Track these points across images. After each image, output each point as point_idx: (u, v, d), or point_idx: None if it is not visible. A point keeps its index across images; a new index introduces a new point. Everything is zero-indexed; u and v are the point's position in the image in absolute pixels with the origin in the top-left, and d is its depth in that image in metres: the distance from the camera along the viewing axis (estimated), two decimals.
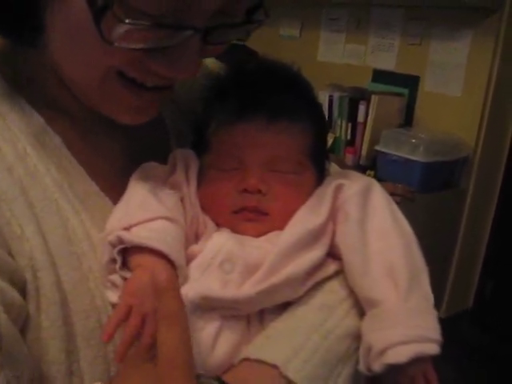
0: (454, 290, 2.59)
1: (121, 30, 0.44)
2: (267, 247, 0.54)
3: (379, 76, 2.84)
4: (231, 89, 0.61)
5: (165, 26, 0.45)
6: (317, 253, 0.54)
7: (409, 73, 2.68)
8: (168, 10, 0.44)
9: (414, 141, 2.31)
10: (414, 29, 2.64)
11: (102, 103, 0.53)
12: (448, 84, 2.51)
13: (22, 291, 0.46)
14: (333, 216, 0.56)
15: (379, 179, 2.30)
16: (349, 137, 2.67)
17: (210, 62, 0.78)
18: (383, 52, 2.81)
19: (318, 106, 0.66)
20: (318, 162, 0.62)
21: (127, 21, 0.43)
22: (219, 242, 0.55)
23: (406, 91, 2.68)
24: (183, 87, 0.68)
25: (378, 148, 2.44)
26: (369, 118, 2.57)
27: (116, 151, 0.61)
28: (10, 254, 0.46)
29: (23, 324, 0.45)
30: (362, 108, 2.60)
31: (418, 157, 2.26)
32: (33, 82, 0.55)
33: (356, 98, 2.65)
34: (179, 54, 0.48)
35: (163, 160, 0.61)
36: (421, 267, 0.54)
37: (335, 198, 0.56)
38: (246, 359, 0.49)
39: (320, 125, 0.64)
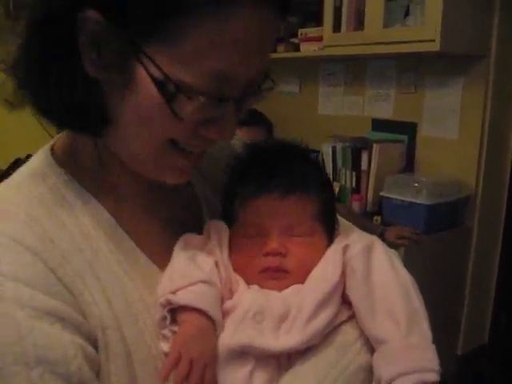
0: (469, 326, 2.64)
1: (191, 107, 0.56)
2: (290, 299, 0.65)
3: (378, 125, 2.95)
4: (251, 168, 0.73)
5: (224, 99, 0.57)
6: (332, 310, 0.64)
7: (406, 120, 2.80)
8: (216, 87, 0.56)
9: (416, 185, 2.40)
10: (408, 78, 2.78)
11: (155, 169, 0.64)
12: (444, 128, 2.63)
13: (95, 345, 0.57)
14: (343, 271, 0.67)
15: (386, 223, 2.42)
16: (354, 185, 2.77)
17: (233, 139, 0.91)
18: (380, 102, 2.94)
19: (325, 175, 0.78)
20: (328, 223, 0.73)
21: (201, 98, 0.55)
22: (250, 299, 0.65)
23: (405, 137, 2.78)
24: (210, 164, 0.80)
25: (382, 194, 2.54)
26: (372, 165, 2.67)
27: (159, 225, 0.72)
28: (85, 317, 0.57)
29: (97, 371, 0.57)
30: (364, 156, 2.71)
31: (421, 200, 2.36)
32: (88, 167, 0.68)
33: (358, 147, 2.76)
34: (223, 121, 0.60)
35: (198, 228, 0.73)
36: (418, 309, 0.64)
37: (344, 256, 0.67)
38: None
39: (327, 192, 0.75)
